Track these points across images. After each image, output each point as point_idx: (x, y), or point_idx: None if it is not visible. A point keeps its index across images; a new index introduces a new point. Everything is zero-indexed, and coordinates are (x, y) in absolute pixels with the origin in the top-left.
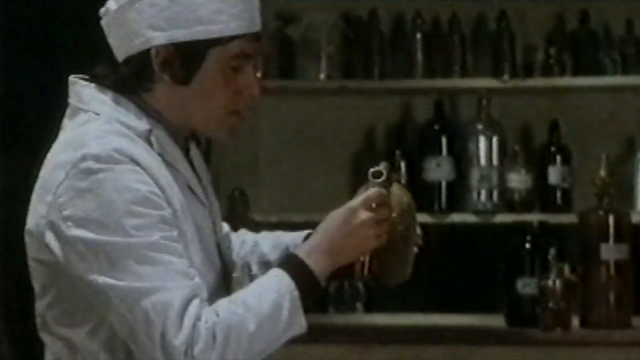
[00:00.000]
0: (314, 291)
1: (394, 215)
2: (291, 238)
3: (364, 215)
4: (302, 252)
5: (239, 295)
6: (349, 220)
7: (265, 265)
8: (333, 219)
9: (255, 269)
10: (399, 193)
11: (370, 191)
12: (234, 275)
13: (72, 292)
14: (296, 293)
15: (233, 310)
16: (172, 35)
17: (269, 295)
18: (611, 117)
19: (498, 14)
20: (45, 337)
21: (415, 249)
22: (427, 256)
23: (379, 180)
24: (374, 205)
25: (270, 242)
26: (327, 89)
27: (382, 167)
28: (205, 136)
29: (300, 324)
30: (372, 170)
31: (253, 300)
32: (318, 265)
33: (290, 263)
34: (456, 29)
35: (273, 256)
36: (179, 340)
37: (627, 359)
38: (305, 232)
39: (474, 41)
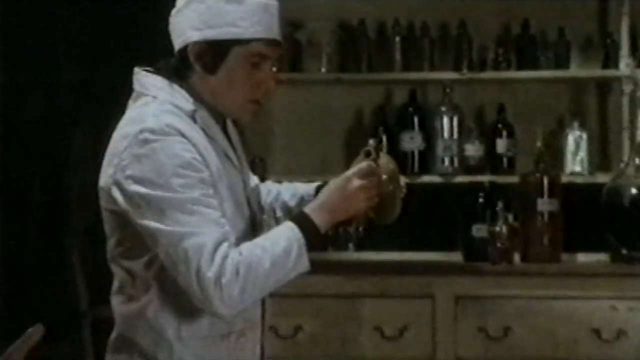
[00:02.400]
0: (316, 240)
1: (384, 177)
2: (305, 189)
3: (356, 182)
4: (308, 210)
5: (259, 240)
6: (345, 186)
7: (287, 210)
8: (333, 185)
9: (279, 212)
10: (386, 162)
11: (362, 164)
12: (263, 217)
13: (132, 234)
14: (303, 241)
15: (253, 251)
16: (205, 33)
17: (281, 241)
18: (546, 102)
19: (459, 22)
20: (113, 267)
21: (402, 195)
22: (405, 208)
23: (370, 158)
24: (364, 175)
25: (290, 192)
26: (326, 80)
27: (371, 145)
28: (231, 118)
29: (304, 264)
30: (364, 149)
31: (269, 244)
32: (320, 220)
33: (300, 218)
34: (426, 33)
35: (292, 203)
36: (210, 272)
37: (557, 285)
38: (316, 184)
39: (440, 43)
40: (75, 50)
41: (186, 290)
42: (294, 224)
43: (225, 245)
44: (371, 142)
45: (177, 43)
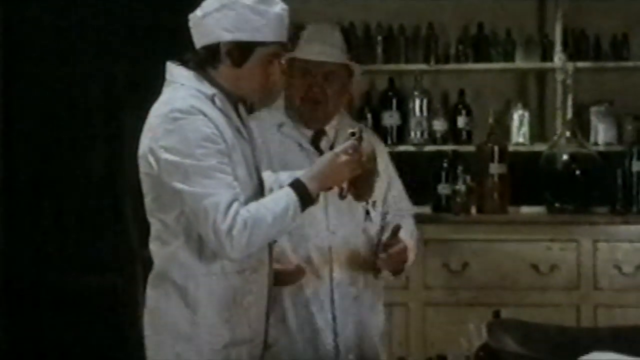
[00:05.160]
0: (309, 202)
1: (364, 158)
2: (301, 173)
3: (343, 158)
4: (303, 178)
5: (263, 200)
6: (334, 160)
7: None
8: (324, 159)
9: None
10: (366, 145)
11: (347, 143)
12: (266, 194)
13: (164, 193)
14: (298, 203)
15: (258, 209)
16: (235, 35)
17: (281, 202)
18: (496, 87)
19: (428, 25)
20: (150, 219)
21: (376, 180)
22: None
23: (354, 137)
24: (350, 152)
25: (288, 175)
26: None
27: (356, 129)
28: (248, 100)
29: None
30: (350, 131)
31: (271, 204)
32: (312, 186)
33: (296, 184)
34: (402, 33)
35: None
36: (224, 225)
37: (505, 231)
38: (309, 169)
39: (413, 41)
40: (123, 49)
41: (204, 238)
42: (292, 188)
43: (236, 204)
44: (357, 127)
45: (207, 40)
